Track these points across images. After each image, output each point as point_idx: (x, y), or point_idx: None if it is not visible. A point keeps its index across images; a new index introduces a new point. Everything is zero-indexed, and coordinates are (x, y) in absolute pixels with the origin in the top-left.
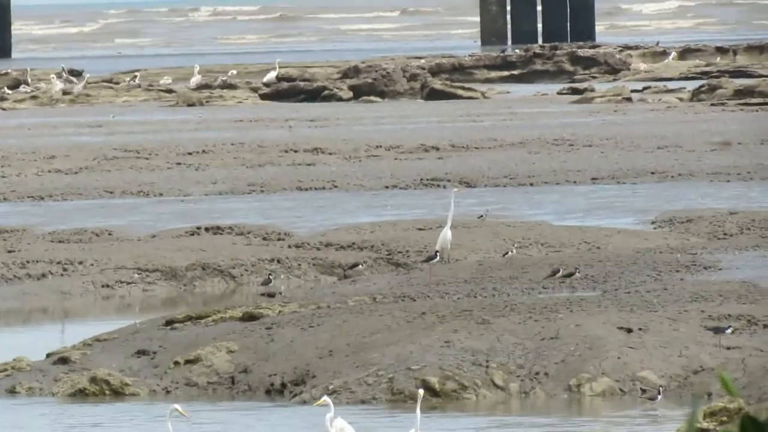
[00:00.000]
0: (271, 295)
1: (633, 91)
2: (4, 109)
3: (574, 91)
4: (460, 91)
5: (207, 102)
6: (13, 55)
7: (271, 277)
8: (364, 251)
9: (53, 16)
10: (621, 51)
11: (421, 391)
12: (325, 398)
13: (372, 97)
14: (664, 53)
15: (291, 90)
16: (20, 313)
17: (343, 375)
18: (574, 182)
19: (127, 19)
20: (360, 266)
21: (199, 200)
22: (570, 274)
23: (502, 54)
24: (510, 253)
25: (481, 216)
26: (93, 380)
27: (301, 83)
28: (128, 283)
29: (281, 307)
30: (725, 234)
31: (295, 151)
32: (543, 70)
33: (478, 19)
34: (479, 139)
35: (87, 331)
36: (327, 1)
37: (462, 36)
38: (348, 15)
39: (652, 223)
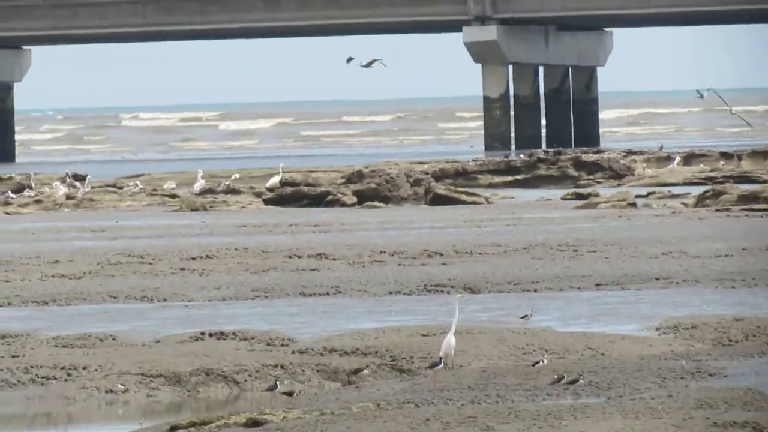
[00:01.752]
0: (289, 394)
1: (637, 196)
2: (8, 214)
3: (579, 197)
4: (464, 197)
5: (211, 207)
6: (17, 159)
7: (277, 382)
8: (368, 357)
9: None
10: (625, 156)
11: None
12: None
13: (376, 203)
14: (669, 158)
15: (294, 195)
16: (24, 418)
17: None
18: (578, 288)
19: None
20: (364, 371)
21: (202, 305)
22: (574, 381)
23: (505, 159)
24: (541, 362)
25: (526, 316)
26: None
27: (305, 188)
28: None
29: (285, 413)
30: (730, 340)
31: (299, 257)
32: (547, 175)
33: (473, 123)
34: (483, 244)
35: None
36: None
37: (458, 140)
38: (348, 119)
39: (657, 329)
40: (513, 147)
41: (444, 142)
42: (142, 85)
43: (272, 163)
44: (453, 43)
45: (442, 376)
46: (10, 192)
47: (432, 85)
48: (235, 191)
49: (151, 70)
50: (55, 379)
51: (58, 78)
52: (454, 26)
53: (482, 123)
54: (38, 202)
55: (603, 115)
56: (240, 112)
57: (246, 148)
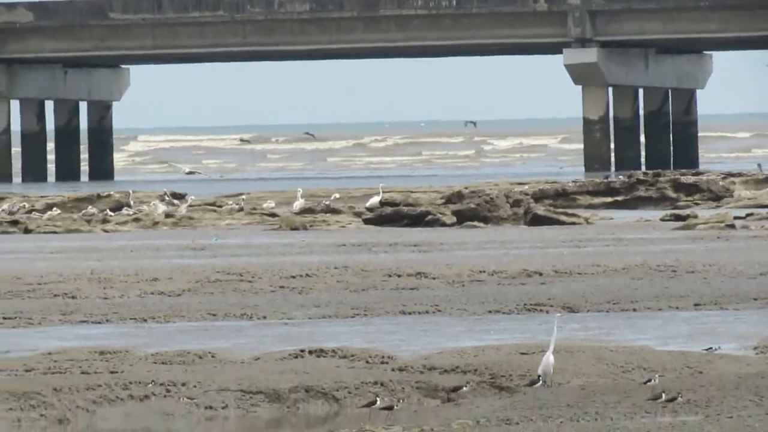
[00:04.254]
0: (389, 408)
1: (736, 218)
2: (106, 231)
3: (677, 218)
4: (563, 217)
5: (310, 226)
6: (116, 177)
7: (377, 398)
8: (467, 374)
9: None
10: (724, 178)
11: None
12: None
13: (475, 223)
14: (767, 180)
15: (394, 215)
16: None
17: None
18: (677, 308)
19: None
20: (464, 389)
21: (302, 323)
22: (673, 399)
23: (605, 180)
24: (653, 381)
25: (710, 348)
26: None
27: (405, 208)
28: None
29: (385, 430)
30: None
31: (399, 276)
32: (646, 196)
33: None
34: (582, 264)
35: None
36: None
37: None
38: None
39: (755, 348)
40: (612, 168)
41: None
42: (239, 105)
43: (372, 183)
44: (551, 64)
45: (541, 393)
46: (109, 210)
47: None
48: (334, 211)
49: (249, 89)
50: (155, 395)
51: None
52: (554, 48)
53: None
54: (137, 220)
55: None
56: (341, 132)
57: (345, 167)
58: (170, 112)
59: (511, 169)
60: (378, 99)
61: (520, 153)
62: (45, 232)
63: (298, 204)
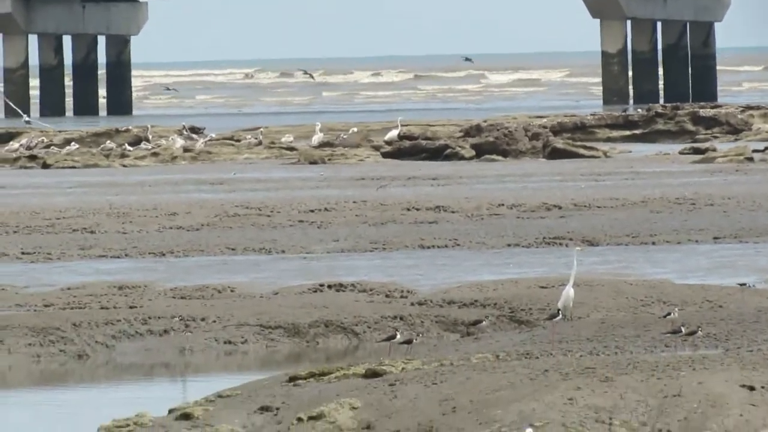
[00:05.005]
0: (408, 342)
1: (754, 150)
2: (125, 166)
3: (696, 151)
4: (582, 150)
5: (329, 160)
6: (134, 112)
7: (397, 333)
8: (486, 308)
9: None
10: (743, 111)
11: (529, 430)
12: None
13: (494, 156)
14: None
15: (413, 148)
16: (142, 368)
17: (466, 431)
18: (696, 241)
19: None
20: (483, 323)
21: (321, 257)
22: (692, 332)
23: (624, 113)
24: (672, 314)
25: (744, 284)
26: None
27: (423, 141)
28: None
29: (404, 364)
30: None
31: (418, 209)
32: (665, 129)
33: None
34: (601, 197)
35: (209, 387)
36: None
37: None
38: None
39: None
40: (631, 102)
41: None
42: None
43: (391, 116)
44: None
45: (561, 327)
46: (127, 144)
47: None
48: (353, 144)
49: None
50: (174, 330)
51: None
52: None
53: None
54: (155, 154)
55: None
56: (359, 65)
57: (365, 101)
58: (188, 44)
59: (521, 103)
60: (370, 32)
61: (525, 87)
62: (63, 167)
63: (317, 138)
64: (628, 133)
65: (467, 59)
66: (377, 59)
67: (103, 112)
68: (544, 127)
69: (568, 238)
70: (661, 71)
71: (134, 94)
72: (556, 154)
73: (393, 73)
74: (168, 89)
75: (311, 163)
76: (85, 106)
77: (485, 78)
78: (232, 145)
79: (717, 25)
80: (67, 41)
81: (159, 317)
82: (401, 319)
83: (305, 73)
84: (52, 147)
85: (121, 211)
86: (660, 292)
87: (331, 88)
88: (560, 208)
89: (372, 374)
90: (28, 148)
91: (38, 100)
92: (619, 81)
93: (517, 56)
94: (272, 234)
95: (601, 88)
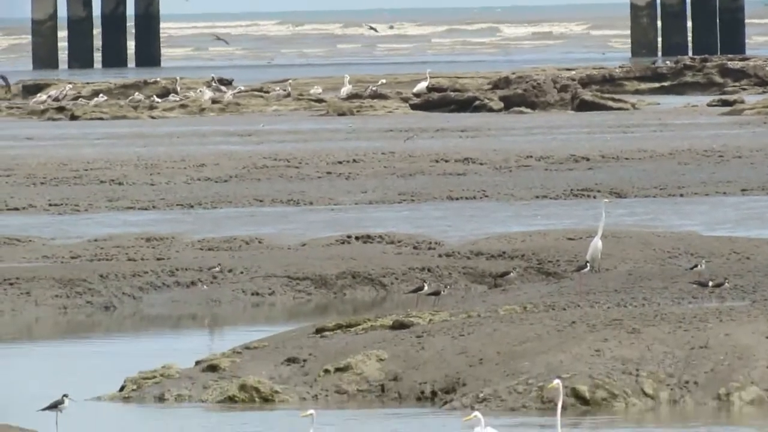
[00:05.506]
0: (436, 294)
1: None
2: (153, 118)
3: (724, 103)
4: (610, 103)
5: (357, 111)
6: (162, 63)
7: (424, 284)
8: (514, 260)
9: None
10: None
11: (557, 382)
12: (476, 413)
13: (522, 108)
14: None
15: (441, 100)
16: (169, 320)
17: (493, 383)
18: (724, 193)
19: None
20: (511, 274)
21: (349, 209)
22: (719, 284)
23: (652, 66)
24: (699, 266)
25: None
26: (242, 388)
27: (452, 93)
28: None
29: (431, 315)
30: None
31: (446, 161)
32: (693, 82)
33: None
34: (629, 149)
35: (236, 338)
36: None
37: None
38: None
39: None
40: (659, 54)
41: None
42: None
43: (419, 68)
44: None
45: (589, 279)
46: (156, 96)
47: None
48: (381, 96)
49: None
50: (201, 281)
51: None
52: None
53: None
54: (183, 106)
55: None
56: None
57: (393, 53)
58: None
59: (545, 56)
60: None
61: (543, 40)
62: (91, 119)
63: (346, 90)
64: (656, 85)
65: (372, 28)
66: (391, 11)
67: (131, 64)
68: (573, 80)
69: (596, 190)
70: (689, 24)
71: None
72: (584, 106)
73: (408, 26)
74: (218, 39)
75: (340, 114)
76: (114, 58)
77: (500, 32)
78: (261, 96)
79: None
80: None
81: (186, 269)
82: (429, 270)
83: (371, 27)
84: (80, 99)
85: (149, 162)
86: (687, 244)
87: (347, 41)
88: (588, 160)
89: (399, 326)
90: (56, 99)
91: (66, 53)
92: (647, 34)
93: (534, 9)
94: (300, 185)
95: (621, 40)
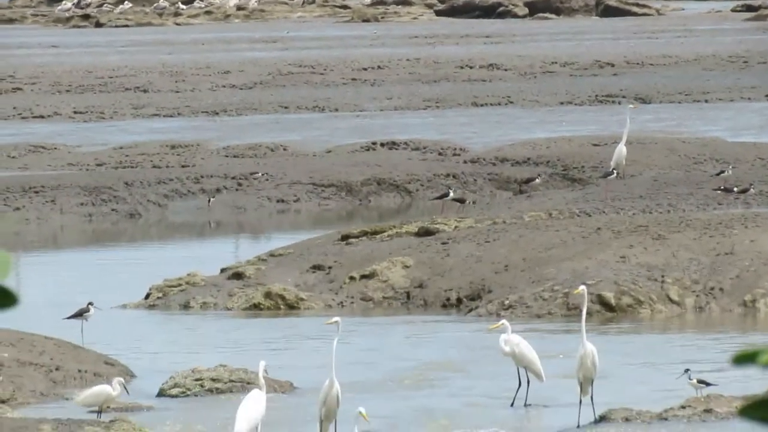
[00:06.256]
0: (461, 201)
1: None
2: (178, 24)
3: (749, 9)
4: (635, 8)
5: (382, 18)
6: None
7: (450, 190)
8: (539, 166)
9: None
10: None
11: (582, 288)
12: (503, 321)
13: (547, 14)
14: None
15: (466, 6)
16: (194, 227)
17: (518, 290)
18: (749, 99)
19: None
20: (536, 180)
21: (374, 116)
22: (745, 190)
23: None
24: (725, 172)
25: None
26: (268, 295)
27: (477, 0)
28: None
29: (457, 222)
30: None
31: (471, 67)
32: None
33: None
34: (654, 55)
35: (261, 246)
36: None
37: None
38: None
39: None
40: None
41: None
42: None
43: None
44: None
45: (614, 185)
46: (181, 3)
47: None
48: (406, 2)
49: None
50: (226, 189)
51: None
52: None
53: None
54: (208, 13)
55: None
56: None
57: None
58: None
59: None
60: None
61: None
62: (116, 26)
63: None
64: None
65: None
66: None
67: None
68: None
69: (621, 96)
70: None
71: None
72: (608, 11)
73: None
74: None
75: (364, 21)
76: None
77: None
78: (285, 3)
79: None
80: None
81: (211, 176)
82: (454, 177)
83: None
84: (104, 5)
85: (174, 70)
86: (712, 150)
87: None
88: (613, 65)
89: (424, 232)
90: (81, 6)
91: None
92: None
93: None
94: (325, 92)
95: None
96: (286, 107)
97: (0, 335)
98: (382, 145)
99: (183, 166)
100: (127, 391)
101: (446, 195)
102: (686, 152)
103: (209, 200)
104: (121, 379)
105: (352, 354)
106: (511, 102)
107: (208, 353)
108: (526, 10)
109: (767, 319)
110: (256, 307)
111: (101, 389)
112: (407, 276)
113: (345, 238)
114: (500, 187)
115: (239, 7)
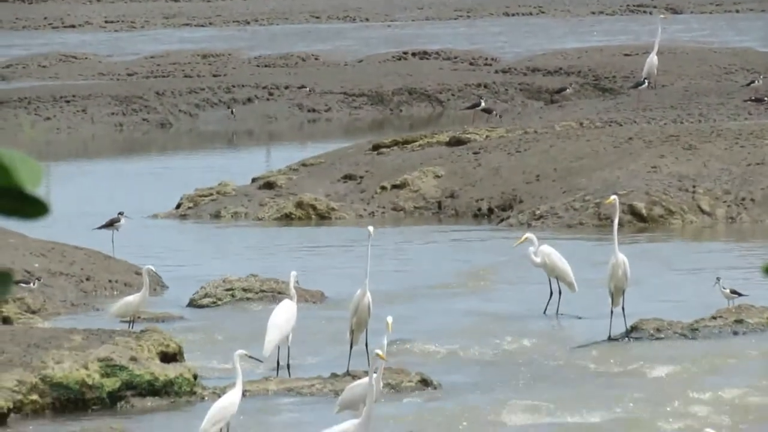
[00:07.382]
0: (488, 111)
1: None
2: None
3: None
4: None
5: None
6: None
7: (481, 100)
8: (570, 76)
9: None
10: None
11: (614, 197)
12: (527, 235)
13: None
14: None
15: None
16: (225, 137)
17: (550, 200)
18: None
19: None
20: (567, 90)
21: (405, 25)
22: None
23: None
24: (756, 82)
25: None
26: (299, 205)
27: None
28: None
29: (488, 132)
30: None
31: None
32: None
33: None
34: None
35: (292, 155)
36: None
37: None
38: None
39: None
40: None
41: None
42: None
43: None
44: None
45: (645, 95)
46: None
47: None
48: None
49: None
50: (257, 98)
51: None
52: None
53: None
54: None
55: None
56: None
57: None
58: None
59: None
60: None
61: None
62: None
63: None
64: None
65: None
66: None
67: None
68: None
69: (652, 6)
70: None
71: None
72: None
73: None
74: None
75: None
76: None
77: None
78: None
79: None
80: None
81: (243, 85)
82: (485, 86)
83: None
84: None
85: None
86: (743, 60)
87: None
88: None
89: (456, 142)
90: None
91: None
92: None
93: None
94: (357, 2)
95: None
96: (317, 17)
97: (31, 245)
98: (414, 54)
99: (214, 76)
100: (158, 275)
101: (477, 105)
102: (717, 62)
103: (232, 111)
104: (151, 267)
105: (386, 263)
106: (543, 12)
107: (239, 263)
108: None
109: None
110: (288, 216)
111: (132, 298)
112: (438, 186)
113: (376, 147)
114: (531, 96)
115: None
